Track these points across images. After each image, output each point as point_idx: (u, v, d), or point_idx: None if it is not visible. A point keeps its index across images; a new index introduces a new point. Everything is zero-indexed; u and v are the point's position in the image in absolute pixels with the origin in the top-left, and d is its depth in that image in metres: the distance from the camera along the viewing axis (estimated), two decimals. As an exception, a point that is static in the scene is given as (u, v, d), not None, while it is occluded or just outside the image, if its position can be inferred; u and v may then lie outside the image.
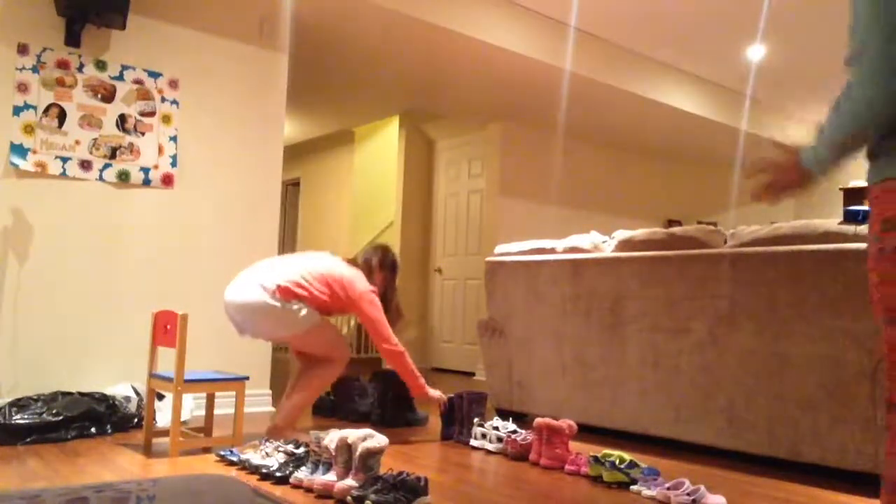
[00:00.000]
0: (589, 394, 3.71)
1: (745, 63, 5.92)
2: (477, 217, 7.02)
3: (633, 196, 7.91)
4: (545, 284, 3.94)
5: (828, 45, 5.39)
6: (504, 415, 3.96)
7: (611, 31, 5.42)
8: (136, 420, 3.48)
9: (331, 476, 2.44)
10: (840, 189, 7.42)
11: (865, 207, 2.47)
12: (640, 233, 3.59)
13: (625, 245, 3.62)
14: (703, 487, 2.44)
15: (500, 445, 3.21)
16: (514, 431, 3.24)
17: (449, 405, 3.50)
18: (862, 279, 2.75)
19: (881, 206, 1.11)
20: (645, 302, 3.47)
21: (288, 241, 9.12)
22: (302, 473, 2.52)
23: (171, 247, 3.96)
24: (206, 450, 3.08)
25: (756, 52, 5.67)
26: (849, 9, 1.19)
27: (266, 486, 2.51)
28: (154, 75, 3.91)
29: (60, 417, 3.20)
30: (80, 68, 3.68)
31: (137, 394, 3.60)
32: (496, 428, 3.28)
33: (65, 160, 3.62)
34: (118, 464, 2.78)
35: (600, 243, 3.80)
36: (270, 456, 2.73)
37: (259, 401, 4.19)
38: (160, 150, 3.92)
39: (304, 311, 3.21)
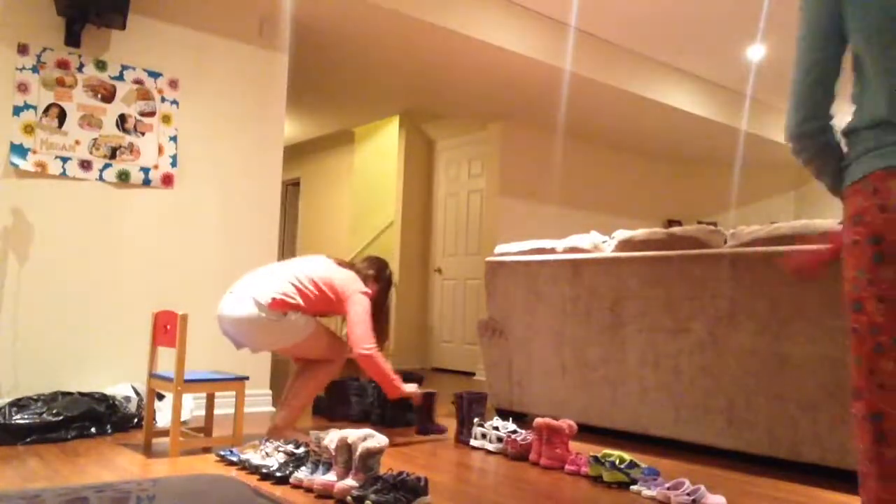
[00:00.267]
0: (589, 394, 3.71)
1: (745, 63, 5.92)
2: (477, 217, 7.02)
3: (633, 196, 7.91)
4: (545, 284, 3.94)
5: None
6: (504, 415, 3.97)
7: (611, 31, 5.42)
8: (136, 420, 3.48)
9: (331, 476, 2.44)
10: (840, 189, 7.41)
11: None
12: (640, 233, 3.59)
13: (625, 245, 3.62)
14: (703, 487, 2.45)
15: (500, 445, 3.21)
16: (514, 431, 3.24)
17: (452, 405, 3.50)
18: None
19: (847, 205, 1.24)
20: (645, 302, 3.47)
21: (288, 241, 9.12)
22: (302, 473, 2.52)
23: (171, 247, 3.96)
24: (206, 450, 3.08)
25: (756, 52, 5.67)
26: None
27: (266, 486, 2.51)
28: (154, 75, 3.91)
29: (60, 417, 3.20)
30: (80, 68, 3.68)
31: (137, 394, 3.60)
32: (496, 428, 3.28)
33: (65, 160, 3.62)
34: (118, 464, 2.78)
35: (600, 243, 3.80)
36: (270, 456, 2.73)
37: (259, 401, 4.19)
38: (160, 150, 3.92)
39: (301, 321, 3.21)
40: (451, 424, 3.82)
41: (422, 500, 2.31)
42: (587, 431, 3.75)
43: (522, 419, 4.07)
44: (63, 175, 3.62)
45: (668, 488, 2.51)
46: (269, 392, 4.28)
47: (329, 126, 7.81)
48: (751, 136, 6.96)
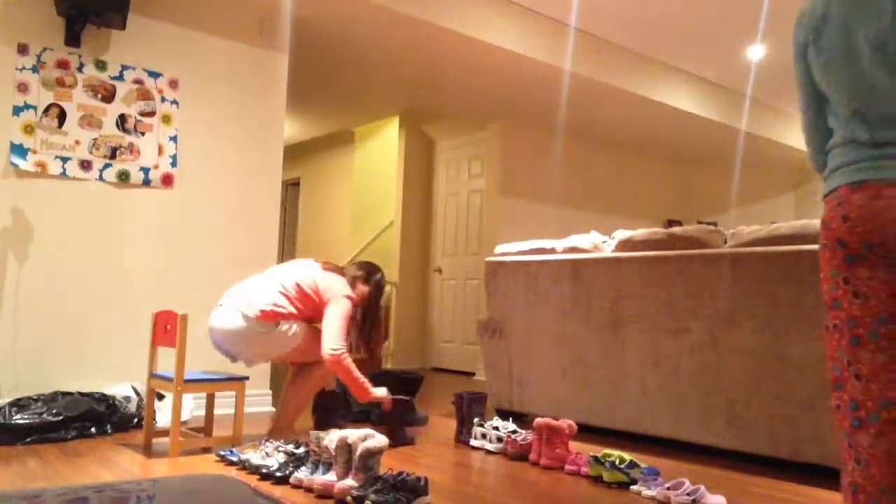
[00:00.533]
0: (589, 394, 3.71)
1: (745, 63, 5.92)
2: (477, 217, 7.02)
3: (633, 196, 7.91)
4: (545, 284, 3.94)
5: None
6: (504, 415, 3.97)
7: (611, 31, 5.42)
8: (136, 420, 3.48)
9: (331, 476, 2.44)
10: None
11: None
12: (640, 233, 3.59)
13: (625, 245, 3.62)
14: (703, 487, 2.45)
15: (500, 445, 3.21)
16: (514, 431, 3.24)
17: (456, 405, 3.48)
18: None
19: (823, 212, 1.40)
20: (645, 302, 3.47)
21: (288, 241, 9.12)
22: (302, 473, 2.52)
23: (170, 247, 3.96)
24: (206, 450, 3.09)
25: (756, 52, 5.67)
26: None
27: (266, 486, 2.51)
28: (154, 75, 3.91)
29: (60, 417, 3.20)
30: (80, 68, 3.68)
31: (137, 394, 3.60)
32: (496, 428, 3.28)
33: (65, 160, 3.62)
34: (118, 464, 2.78)
35: (600, 243, 3.80)
36: (270, 456, 2.73)
37: (259, 401, 4.19)
38: (160, 150, 3.92)
39: (292, 330, 3.22)
40: (451, 424, 3.82)
41: (422, 500, 2.31)
42: (587, 431, 3.75)
43: (522, 419, 4.07)
44: (63, 175, 3.62)
45: (668, 488, 2.51)
46: (269, 392, 4.28)
47: (329, 126, 7.81)
48: (751, 136, 6.96)
